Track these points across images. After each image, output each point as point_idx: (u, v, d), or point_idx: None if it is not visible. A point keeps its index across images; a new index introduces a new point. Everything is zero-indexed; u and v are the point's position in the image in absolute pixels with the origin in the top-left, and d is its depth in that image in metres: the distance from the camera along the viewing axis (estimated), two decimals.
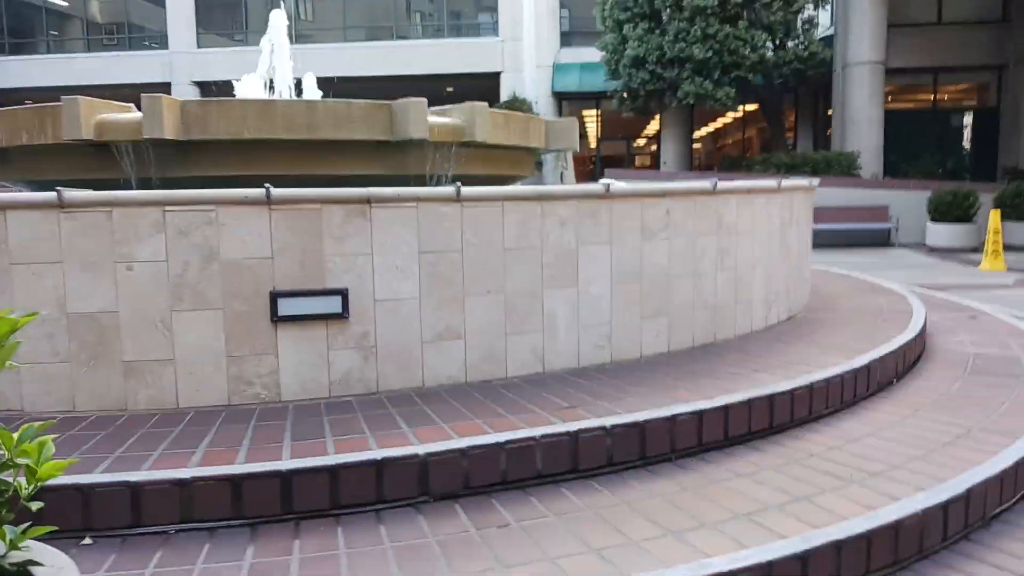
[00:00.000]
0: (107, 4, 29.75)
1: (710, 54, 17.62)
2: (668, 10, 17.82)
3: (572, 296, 3.25)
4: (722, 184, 3.72)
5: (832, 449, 2.75)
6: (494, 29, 26.67)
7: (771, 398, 2.90)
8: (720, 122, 27.93)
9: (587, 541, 2.06)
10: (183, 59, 27.73)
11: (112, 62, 27.97)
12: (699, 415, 2.71)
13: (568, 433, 2.49)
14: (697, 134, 28.94)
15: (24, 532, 1.25)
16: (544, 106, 25.80)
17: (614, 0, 18.98)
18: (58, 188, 2.68)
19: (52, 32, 29.25)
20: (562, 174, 6.40)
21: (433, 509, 2.29)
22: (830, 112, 20.58)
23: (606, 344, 3.37)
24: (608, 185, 3.27)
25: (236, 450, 2.35)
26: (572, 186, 3.28)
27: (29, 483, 1.19)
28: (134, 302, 2.72)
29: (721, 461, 2.67)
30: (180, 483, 2.15)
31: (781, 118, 20.76)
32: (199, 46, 27.92)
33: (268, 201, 2.77)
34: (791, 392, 2.97)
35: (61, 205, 2.67)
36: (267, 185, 2.76)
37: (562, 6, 26.64)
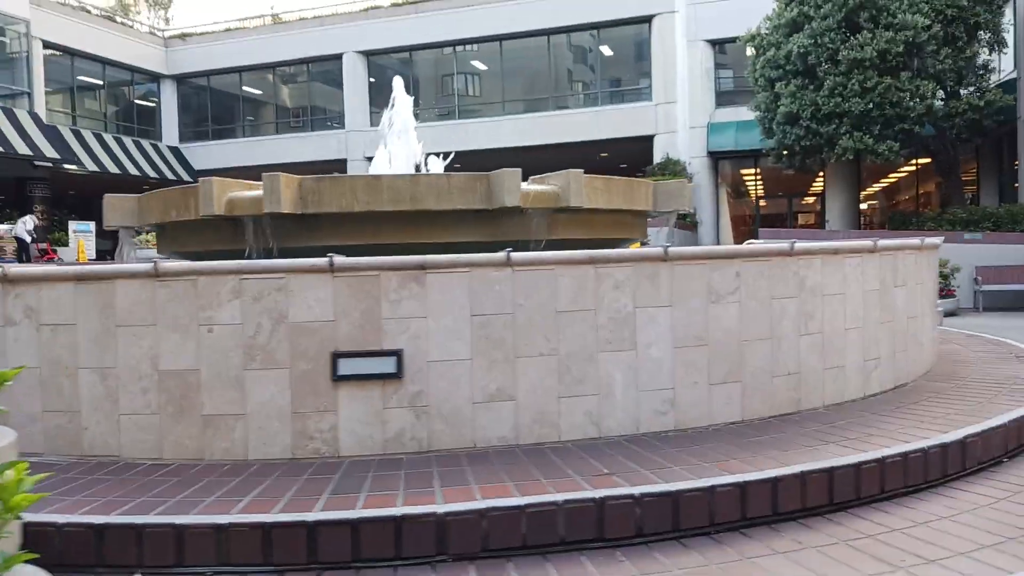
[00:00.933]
0: (294, 91, 32.94)
1: (870, 107, 16.79)
2: (823, 65, 17.24)
3: (630, 359, 3.23)
4: (802, 244, 3.58)
5: (893, 531, 2.53)
6: (648, 94, 26.90)
7: (831, 472, 2.72)
8: (893, 177, 26.37)
9: None
10: (357, 137, 30.04)
11: (296, 142, 30.82)
12: (742, 487, 2.60)
13: (594, 500, 2.47)
14: (869, 191, 27.47)
15: (9, 559, 1.46)
16: (698, 166, 25.57)
17: (765, 59, 18.67)
18: (155, 259, 3.06)
19: (248, 118, 32.68)
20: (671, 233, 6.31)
21: (448, 568, 2.34)
22: (1017, 164, 18.89)
23: (669, 410, 3.30)
24: (667, 248, 3.26)
25: (277, 501, 2.53)
26: (629, 250, 3.28)
27: (3, 512, 1.39)
28: (213, 361, 3.02)
29: (765, 537, 2.53)
30: (218, 528, 2.34)
31: (956, 171, 19.28)
32: (371, 124, 30.17)
33: (331, 269, 3.00)
34: (856, 466, 2.77)
35: (157, 274, 3.03)
36: (331, 255, 3.00)
37: (718, 66, 26.47)
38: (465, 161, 29.54)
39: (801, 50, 17.42)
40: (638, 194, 5.69)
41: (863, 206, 26.29)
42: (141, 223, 5.73)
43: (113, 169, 27.26)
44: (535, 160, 28.93)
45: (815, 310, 3.65)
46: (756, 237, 18.97)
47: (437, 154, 7.74)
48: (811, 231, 23.11)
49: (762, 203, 28.03)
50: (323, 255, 3.02)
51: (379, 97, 30.30)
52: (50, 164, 24.26)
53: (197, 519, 2.37)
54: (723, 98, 26.00)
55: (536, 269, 3.12)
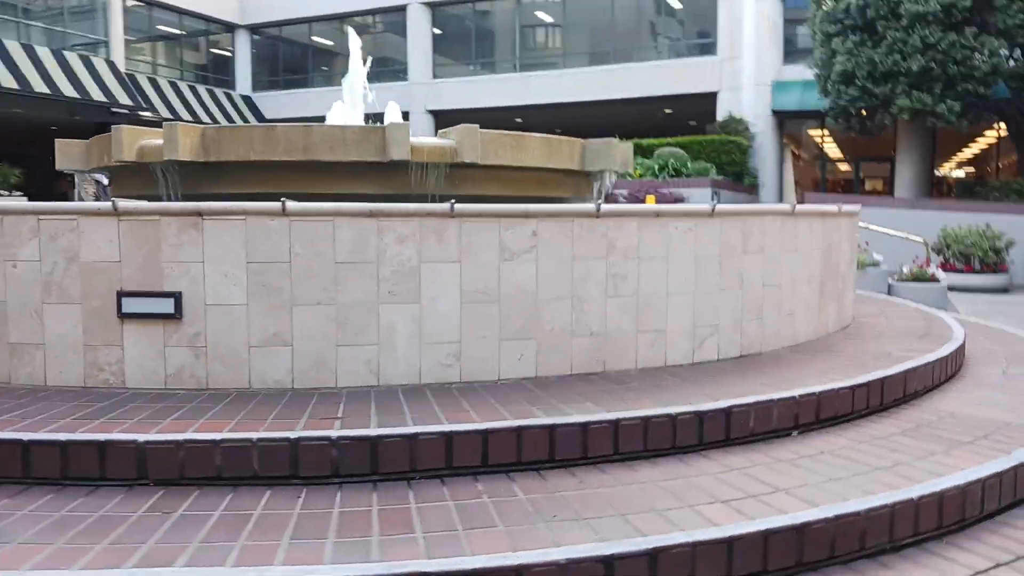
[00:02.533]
0: (364, 40, 33.22)
1: (931, 65, 15.81)
2: (883, 19, 16.28)
3: (414, 312, 3.32)
4: (612, 207, 3.56)
5: (588, 489, 2.58)
6: (713, 48, 26.03)
7: (552, 428, 2.78)
8: (973, 146, 24.83)
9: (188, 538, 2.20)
10: (419, 89, 30.22)
11: None
12: (448, 436, 2.68)
13: (287, 440, 2.61)
14: (951, 159, 25.97)
15: None
16: (762, 126, 24.70)
17: (824, 12, 17.76)
18: None
19: (320, 68, 33.29)
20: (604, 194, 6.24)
21: (147, 490, 2.54)
22: None
23: (454, 363, 3.39)
24: (452, 204, 3.30)
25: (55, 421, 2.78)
26: (414, 205, 3.32)
27: None
28: (17, 294, 3.28)
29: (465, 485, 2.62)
30: None
31: None
32: (434, 76, 30.32)
33: (116, 213, 3.20)
34: (583, 425, 2.81)
35: None
36: (113, 199, 3.19)
37: (787, 21, 25.33)
38: (527, 116, 29.46)
39: (860, 3, 16.50)
40: (559, 153, 5.65)
41: (940, 173, 24.89)
42: (87, 167, 6.07)
43: (186, 116, 28.37)
44: (597, 116, 28.54)
45: (628, 273, 3.63)
46: (802, 202, 18.29)
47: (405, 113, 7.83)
48: (876, 197, 22.12)
49: (829, 166, 26.90)
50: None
51: (443, 48, 30.35)
52: (126, 111, 25.43)
53: None
54: (790, 56, 24.90)
55: (314, 220, 3.23)
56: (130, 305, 3.20)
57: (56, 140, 6.01)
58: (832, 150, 26.48)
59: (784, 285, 4.25)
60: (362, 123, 7.26)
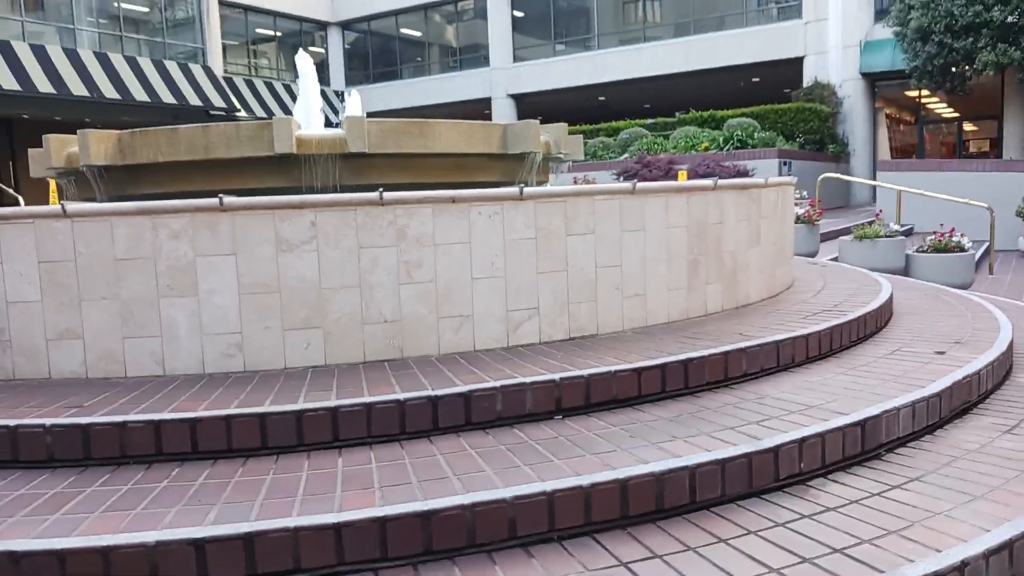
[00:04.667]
0: (445, 31, 33.73)
1: (1016, 15, 14.42)
2: None
3: (193, 305, 3.46)
4: (396, 195, 3.55)
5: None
6: (798, 11, 24.73)
7: (298, 413, 2.86)
8: None
9: None
10: (500, 75, 30.37)
11: (445, 82, 31.75)
12: (193, 422, 2.82)
13: (81, 425, 2.81)
14: None
15: None
16: (850, 89, 23.34)
17: None
18: None
19: (412, 60, 34.03)
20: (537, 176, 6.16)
21: None
22: None
23: (236, 353, 3.51)
24: (222, 199, 3.41)
25: None
26: (187, 201, 3.43)
27: None
28: None
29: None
30: None
31: None
32: (514, 60, 30.35)
33: None
34: (312, 411, 2.88)
35: None
36: None
37: None
38: (608, 93, 28.98)
39: None
40: (474, 138, 5.65)
41: None
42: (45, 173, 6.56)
43: (280, 114, 29.77)
44: (679, 89, 27.70)
45: (424, 260, 3.62)
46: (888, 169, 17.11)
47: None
48: (977, 160, 20.36)
49: (931, 129, 24.99)
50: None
51: (523, 31, 30.29)
52: (222, 112, 27.01)
53: None
54: (881, 13, 23.26)
55: (94, 220, 3.42)
56: None
57: (30, 150, 6.51)
58: (935, 112, 24.57)
59: (628, 266, 4.09)
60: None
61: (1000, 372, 4.08)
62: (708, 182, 4.48)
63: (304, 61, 7.15)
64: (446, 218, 3.62)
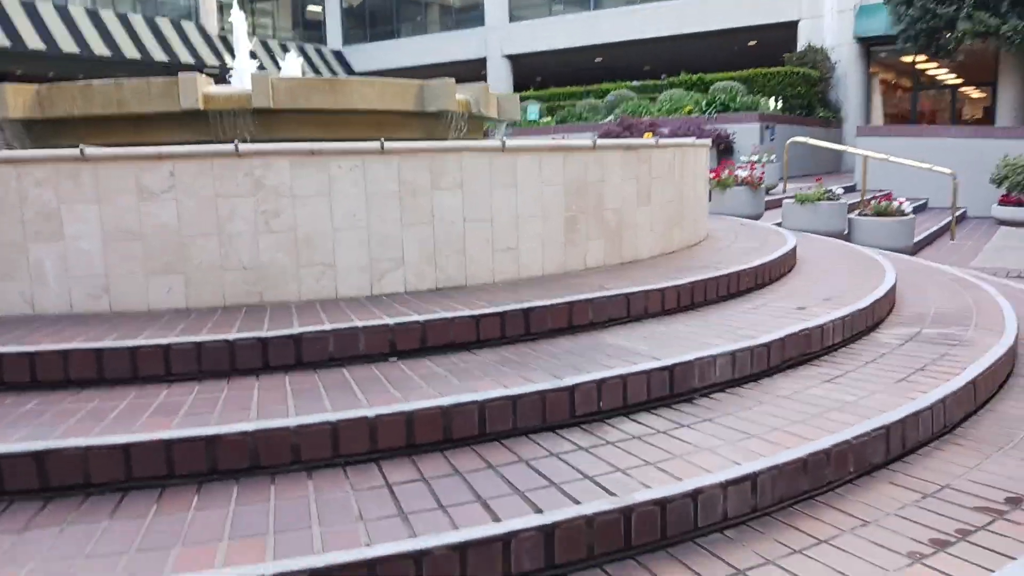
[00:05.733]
0: None
1: None
2: None
3: (60, 250, 3.66)
4: (253, 147, 3.71)
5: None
6: None
7: (127, 350, 3.06)
8: None
9: None
10: (495, 34, 30.13)
11: (440, 41, 31.54)
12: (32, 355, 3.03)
13: None
14: None
15: None
16: (844, 53, 23.08)
17: None
18: None
19: (403, 18, 33.76)
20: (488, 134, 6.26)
21: None
22: None
23: (103, 295, 3.70)
24: (85, 150, 3.58)
25: None
26: (48, 151, 3.60)
27: None
28: None
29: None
30: None
31: None
32: (510, 20, 30.08)
33: None
34: (147, 347, 3.08)
35: None
36: None
37: None
38: (604, 55, 28.74)
39: None
40: (389, 96, 5.77)
41: None
42: None
43: (275, 73, 29.72)
44: (674, 51, 27.44)
45: (282, 210, 3.78)
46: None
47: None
48: (938, 127, 20.15)
49: (924, 95, 24.70)
50: None
51: None
52: (216, 71, 27.00)
53: None
54: None
55: None
56: None
57: None
58: (932, 78, 24.26)
59: (499, 221, 4.25)
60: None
61: (858, 327, 4.23)
62: (587, 142, 4.61)
63: (237, 15, 7.26)
64: (304, 170, 3.78)
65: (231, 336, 3.19)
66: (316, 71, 32.59)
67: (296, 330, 3.27)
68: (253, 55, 7.59)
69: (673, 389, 3.25)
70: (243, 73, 7.27)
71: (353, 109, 5.56)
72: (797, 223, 8.81)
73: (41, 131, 5.60)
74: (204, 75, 5.28)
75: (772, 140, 18.25)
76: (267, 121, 5.33)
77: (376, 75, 31.20)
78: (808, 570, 2.27)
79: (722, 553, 2.39)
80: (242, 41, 7.20)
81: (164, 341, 3.14)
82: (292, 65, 7.76)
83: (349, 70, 33.83)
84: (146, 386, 3.09)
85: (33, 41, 21.62)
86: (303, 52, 32.48)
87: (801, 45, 23.55)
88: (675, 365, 3.25)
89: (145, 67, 24.59)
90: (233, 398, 2.92)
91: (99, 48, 23.25)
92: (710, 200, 7.76)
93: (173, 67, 25.45)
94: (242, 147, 3.67)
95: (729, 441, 2.83)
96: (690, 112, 18.55)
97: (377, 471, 2.63)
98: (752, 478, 2.57)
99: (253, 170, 3.71)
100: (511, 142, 4.22)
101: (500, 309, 3.60)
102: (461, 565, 2.15)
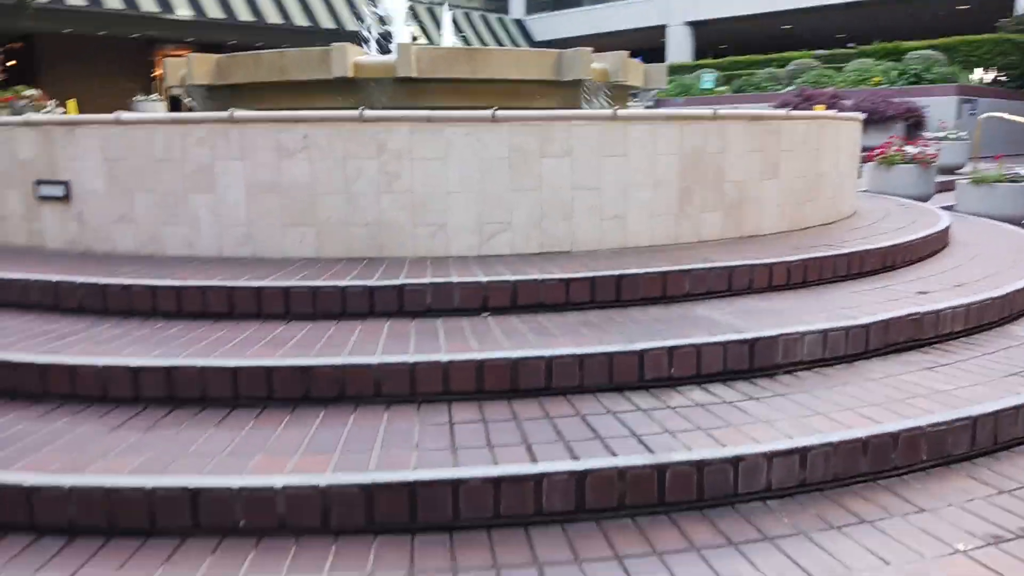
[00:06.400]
0: None
1: None
2: None
3: (212, 201, 4.19)
4: (377, 112, 4.04)
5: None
6: None
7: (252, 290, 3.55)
8: None
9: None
10: (677, 2, 29.40)
11: (618, 9, 31.23)
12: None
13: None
14: None
15: None
16: None
17: None
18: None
19: None
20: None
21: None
22: None
23: (247, 242, 4.21)
24: (231, 112, 4.06)
25: None
26: (206, 113, 4.06)
27: None
28: None
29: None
30: None
31: None
32: None
33: (28, 124, 4.47)
34: (270, 288, 3.53)
35: None
36: (30, 113, 4.46)
37: None
38: (795, 21, 27.23)
39: None
40: (526, 65, 6.00)
41: None
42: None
43: (453, 41, 30.74)
44: (866, 17, 25.51)
45: (402, 172, 4.10)
46: None
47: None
48: None
49: None
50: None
51: None
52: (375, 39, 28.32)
53: None
54: None
55: (140, 127, 4.21)
56: (42, 190, 4.50)
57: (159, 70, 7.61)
58: None
59: (607, 189, 4.35)
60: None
61: (987, 317, 3.96)
62: (707, 111, 4.57)
63: None
64: (422, 136, 4.07)
65: (343, 283, 3.55)
66: (497, 40, 33.30)
67: (399, 281, 3.58)
68: (416, 17, 8.00)
69: (753, 363, 3.25)
70: (401, 41, 7.71)
71: (492, 78, 5.81)
72: (971, 206, 8.11)
73: (219, 96, 6.30)
74: (350, 46, 5.71)
75: (973, 114, 16.64)
76: (411, 89, 5.69)
77: (555, 45, 31.47)
78: (837, 546, 2.28)
79: (756, 519, 2.44)
80: (400, 9, 7.63)
81: (285, 284, 3.56)
82: (446, 28, 8.14)
83: (529, 39, 34.29)
84: (267, 322, 3.52)
85: (214, 10, 23.74)
86: (485, 21, 33.29)
87: (1020, 9, 21.19)
88: (756, 339, 3.25)
89: (314, 33, 25.99)
90: (335, 337, 3.28)
91: (272, 16, 25.05)
92: (863, 177, 7.33)
93: (343, 36, 27.04)
94: (367, 113, 4.02)
95: (792, 416, 2.83)
96: (878, 83, 17.29)
97: (445, 410, 2.89)
98: (801, 452, 2.57)
99: (377, 135, 4.05)
100: (625, 112, 4.29)
101: (590, 274, 3.73)
102: (495, 497, 2.36)
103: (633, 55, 7.00)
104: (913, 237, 4.91)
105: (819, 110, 13.08)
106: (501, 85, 5.90)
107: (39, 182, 4.51)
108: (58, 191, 4.43)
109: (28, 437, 2.68)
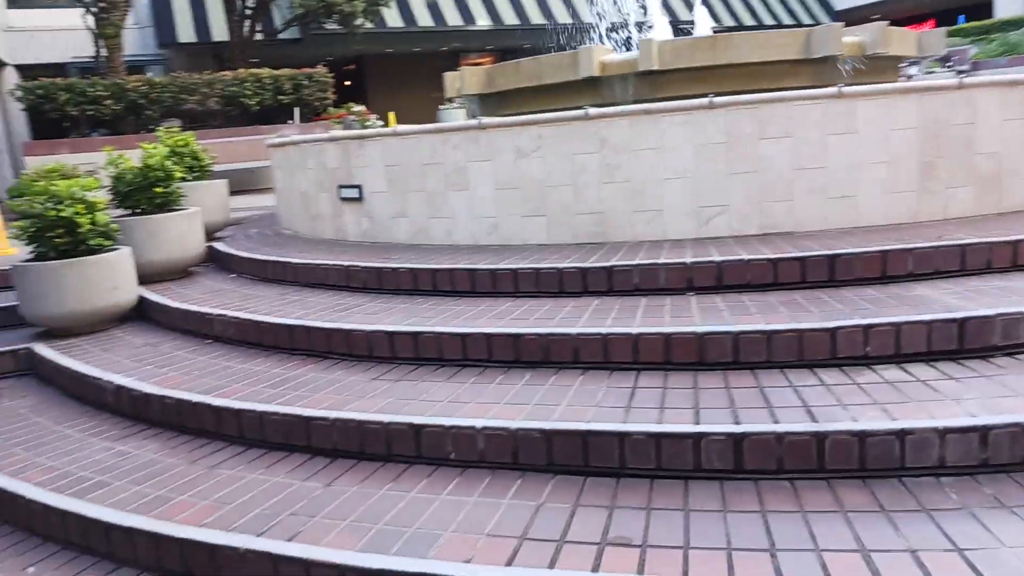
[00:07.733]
0: None
1: None
2: None
3: (467, 197, 4.90)
4: (600, 110, 4.42)
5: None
6: None
7: (478, 270, 4.20)
8: None
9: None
10: None
11: None
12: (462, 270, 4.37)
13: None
14: None
15: None
16: None
17: None
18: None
19: None
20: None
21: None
22: None
23: (493, 231, 4.85)
24: (480, 120, 4.71)
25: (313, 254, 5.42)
26: (458, 123, 4.65)
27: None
28: (314, 184, 5.93)
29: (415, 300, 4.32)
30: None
31: None
32: None
33: (331, 140, 5.54)
34: (502, 271, 4.15)
35: (295, 143, 6.05)
36: (356, 126, 5.53)
37: None
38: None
39: None
40: (768, 46, 6.06)
41: None
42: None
43: (748, 21, 29.80)
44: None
45: (621, 163, 4.46)
46: None
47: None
48: None
49: None
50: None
51: None
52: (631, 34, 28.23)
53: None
54: None
55: (411, 137, 5.04)
56: (343, 192, 5.57)
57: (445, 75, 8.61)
58: None
59: (833, 168, 4.32)
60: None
61: None
62: (952, 81, 4.31)
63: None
64: (640, 128, 4.39)
65: (561, 265, 4.03)
66: (793, 16, 31.71)
67: (609, 263, 3.96)
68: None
69: (963, 343, 3.13)
70: (662, 32, 8.01)
71: (734, 63, 5.89)
72: None
73: (489, 102, 7.11)
74: (596, 47, 6.13)
75: None
76: (653, 81, 5.98)
77: (859, 11, 29.26)
78: (999, 524, 2.25)
79: (920, 493, 2.46)
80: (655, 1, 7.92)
81: (514, 266, 4.12)
82: (702, 20, 8.24)
83: (832, 13, 32.15)
84: (498, 298, 4.11)
85: (510, 17, 25.38)
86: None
87: None
88: (967, 319, 3.13)
89: (547, 32, 26.50)
90: (549, 310, 3.76)
91: (509, 17, 26.07)
92: None
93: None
94: (591, 111, 4.44)
95: (985, 396, 2.74)
96: None
97: (632, 377, 3.22)
98: (981, 431, 2.52)
99: (599, 130, 4.45)
100: (852, 88, 4.22)
101: (800, 254, 3.78)
102: (657, 450, 2.66)
103: (954, 14, 6.57)
104: None
105: None
106: (746, 68, 5.94)
107: (340, 186, 5.59)
108: (355, 193, 5.46)
109: (312, 383, 3.52)
